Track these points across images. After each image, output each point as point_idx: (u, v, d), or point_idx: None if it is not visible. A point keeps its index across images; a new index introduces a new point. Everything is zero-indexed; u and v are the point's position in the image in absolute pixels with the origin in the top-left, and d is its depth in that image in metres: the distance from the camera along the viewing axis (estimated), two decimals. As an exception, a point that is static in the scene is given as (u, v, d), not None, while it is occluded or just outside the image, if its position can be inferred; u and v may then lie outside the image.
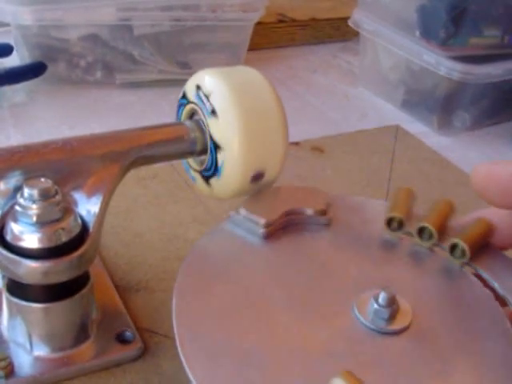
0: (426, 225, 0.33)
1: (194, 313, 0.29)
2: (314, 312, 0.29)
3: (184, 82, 0.37)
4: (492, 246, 0.33)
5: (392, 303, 0.28)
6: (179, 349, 0.27)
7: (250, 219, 0.33)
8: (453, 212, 0.33)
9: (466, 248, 0.31)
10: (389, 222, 0.34)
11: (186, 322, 0.28)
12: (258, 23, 0.71)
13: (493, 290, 0.31)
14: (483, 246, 0.32)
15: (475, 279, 0.32)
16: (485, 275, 0.31)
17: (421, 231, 0.33)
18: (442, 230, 0.33)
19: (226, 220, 0.34)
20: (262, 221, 0.33)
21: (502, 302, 0.30)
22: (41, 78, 0.64)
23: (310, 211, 0.34)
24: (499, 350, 0.28)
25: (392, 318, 0.29)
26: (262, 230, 0.33)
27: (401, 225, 0.34)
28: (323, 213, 0.34)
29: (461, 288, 0.31)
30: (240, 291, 0.30)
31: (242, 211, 0.33)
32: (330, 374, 0.24)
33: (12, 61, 0.66)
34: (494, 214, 0.32)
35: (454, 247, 0.32)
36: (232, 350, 0.27)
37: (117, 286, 0.39)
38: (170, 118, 0.38)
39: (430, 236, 0.33)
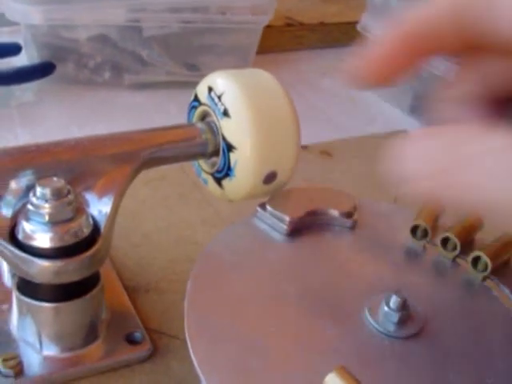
0: (450, 235, 0.32)
1: (206, 297, 0.29)
2: (326, 310, 0.29)
3: (192, 83, 0.37)
4: None
5: (403, 308, 0.28)
6: (186, 329, 0.27)
7: (275, 215, 0.33)
8: (480, 226, 0.33)
9: (488, 261, 0.31)
10: (414, 230, 0.34)
11: (197, 305, 0.28)
12: (266, 26, 0.71)
13: None
14: (507, 260, 0.32)
15: (495, 294, 0.31)
16: (506, 291, 0.31)
17: (445, 241, 0.33)
18: (467, 243, 0.33)
19: (252, 214, 0.34)
20: (287, 218, 0.33)
21: None
22: (49, 77, 0.64)
23: (335, 212, 0.34)
24: (507, 368, 0.28)
25: (402, 322, 0.28)
26: (285, 227, 0.33)
27: (425, 234, 0.33)
28: (348, 215, 0.34)
29: (479, 301, 0.31)
30: (255, 282, 0.30)
31: (268, 207, 0.33)
32: (330, 370, 0.24)
33: (20, 60, 0.66)
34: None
35: (476, 260, 0.32)
36: (237, 336, 0.27)
37: (126, 287, 0.39)
38: (178, 120, 0.38)
39: (454, 247, 0.33)
